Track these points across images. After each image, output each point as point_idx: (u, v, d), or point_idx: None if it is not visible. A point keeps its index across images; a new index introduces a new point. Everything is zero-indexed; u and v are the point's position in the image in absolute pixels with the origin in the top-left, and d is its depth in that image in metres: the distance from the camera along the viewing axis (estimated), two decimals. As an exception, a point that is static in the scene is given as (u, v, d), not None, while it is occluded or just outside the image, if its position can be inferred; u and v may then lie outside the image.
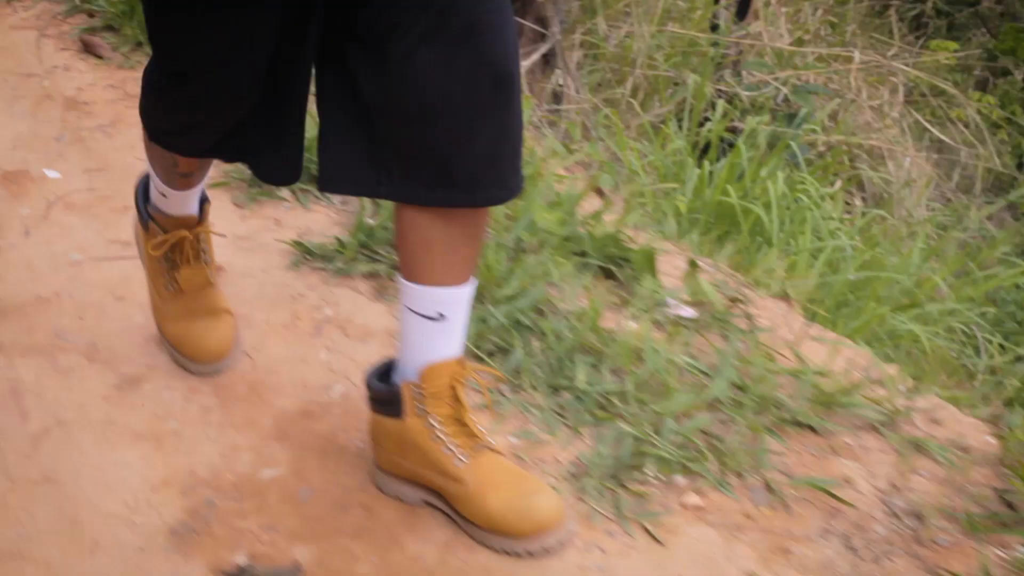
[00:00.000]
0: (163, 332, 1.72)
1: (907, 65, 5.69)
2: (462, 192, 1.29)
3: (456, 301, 1.39)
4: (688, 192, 3.54)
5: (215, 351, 1.67)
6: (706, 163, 3.71)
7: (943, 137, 5.78)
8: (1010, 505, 1.56)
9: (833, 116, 5.64)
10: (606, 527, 1.44)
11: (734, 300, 1.94)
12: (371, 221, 1.93)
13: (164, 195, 1.63)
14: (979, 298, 3.74)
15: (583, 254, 1.94)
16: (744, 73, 5.15)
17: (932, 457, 1.64)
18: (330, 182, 1.33)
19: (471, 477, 1.41)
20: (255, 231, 1.98)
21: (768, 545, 1.43)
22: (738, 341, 1.80)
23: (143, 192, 1.69)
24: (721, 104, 4.38)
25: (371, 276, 1.86)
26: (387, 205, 1.95)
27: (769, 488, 1.51)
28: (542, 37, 3.18)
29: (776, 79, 5.05)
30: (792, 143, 3.87)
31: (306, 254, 1.90)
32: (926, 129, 6.05)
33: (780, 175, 3.72)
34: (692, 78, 4.20)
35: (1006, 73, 9.15)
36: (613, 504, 1.46)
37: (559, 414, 1.60)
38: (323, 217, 2.02)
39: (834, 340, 1.90)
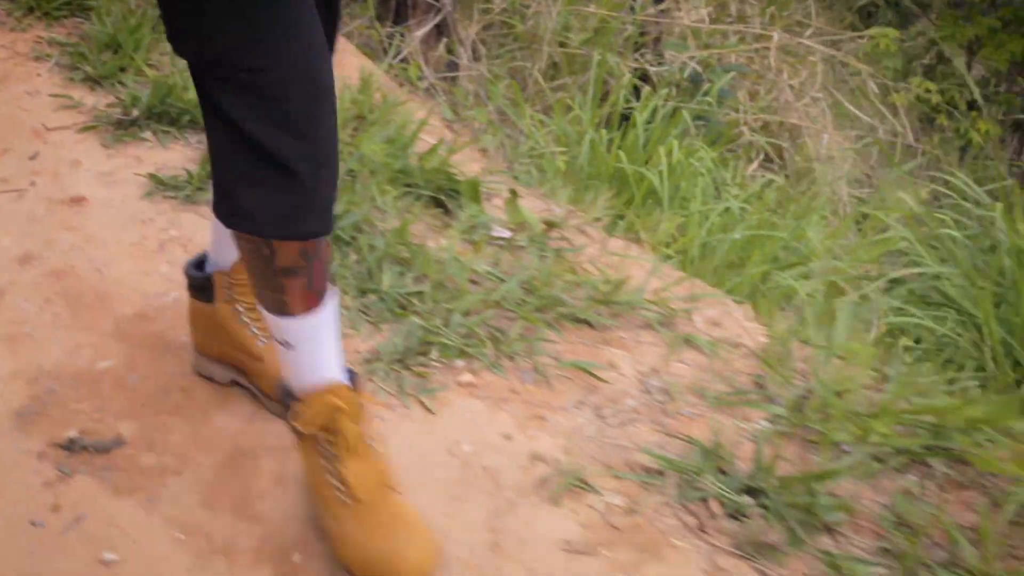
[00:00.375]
0: (348, 565, 1.38)
1: (826, 46, 5.94)
2: None
3: None
4: (584, 156, 3.76)
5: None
6: (603, 132, 3.94)
7: (861, 115, 6.04)
8: (761, 387, 1.79)
9: (754, 95, 5.88)
10: (388, 401, 1.67)
11: (551, 225, 2.17)
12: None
13: (287, 343, 1.37)
14: (872, 259, 3.97)
15: (415, 185, 2.17)
16: (668, 53, 5.39)
17: (701, 351, 1.87)
18: None
19: (270, 356, 1.63)
20: (118, 167, 2.20)
21: (527, 414, 1.66)
22: (542, 256, 2.03)
23: (287, 393, 1.44)
24: (627, 79, 4.61)
25: (216, 203, 2.09)
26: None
27: (537, 369, 1.74)
28: (435, 9, 3.41)
29: (692, 58, 5.29)
30: (686, 114, 4.11)
31: (159, 185, 2.12)
32: (848, 109, 6.29)
33: (676, 143, 3.95)
34: (596, 53, 4.43)
35: (948, 60, 9.39)
36: (397, 383, 1.69)
37: (364, 313, 1.83)
38: (179, 155, 2.24)
39: (635, 255, 2.12)
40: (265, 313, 1.38)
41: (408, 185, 2.16)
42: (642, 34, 5.43)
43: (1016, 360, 2.92)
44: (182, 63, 2.50)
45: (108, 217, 2.07)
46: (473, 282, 1.90)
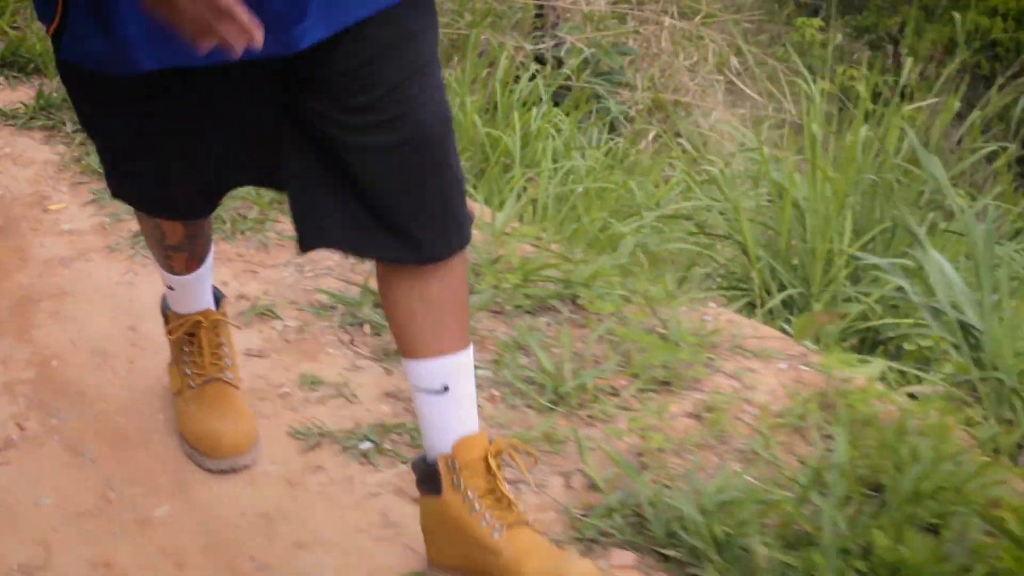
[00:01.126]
0: (185, 435, 1.84)
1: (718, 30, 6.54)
2: (415, 248, 1.42)
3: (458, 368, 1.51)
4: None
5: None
6: (469, 100, 4.53)
7: (753, 95, 6.61)
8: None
9: (649, 75, 6.47)
10: (143, 262, 2.28)
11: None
12: (55, 94, 2.79)
13: (171, 287, 1.80)
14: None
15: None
16: (568, 37, 5.98)
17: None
18: (312, 239, 1.46)
19: (507, 548, 1.46)
20: (-30, 107, 2.84)
21: (244, 269, 2.26)
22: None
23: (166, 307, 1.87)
24: (505, 58, 5.21)
25: (45, 129, 2.71)
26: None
27: (261, 241, 2.34)
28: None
29: (586, 40, 5.89)
30: (540, 84, 4.70)
31: (1, 115, 2.74)
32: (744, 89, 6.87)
33: (535, 111, 4.54)
34: (472, 34, 5.02)
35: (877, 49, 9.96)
36: (152, 249, 2.29)
37: (140, 203, 2.44)
38: (23, 94, 2.87)
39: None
40: (156, 264, 1.78)
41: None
42: (538, 15, 6.02)
43: (781, 282, 3.48)
44: (39, 23, 3.12)
45: (-45, 144, 2.69)
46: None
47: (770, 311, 3.36)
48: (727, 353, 2.21)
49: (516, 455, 1.55)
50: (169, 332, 1.86)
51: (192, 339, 1.84)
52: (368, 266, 2.31)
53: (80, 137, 2.60)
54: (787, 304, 3.40)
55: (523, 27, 6.10)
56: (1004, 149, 3.67)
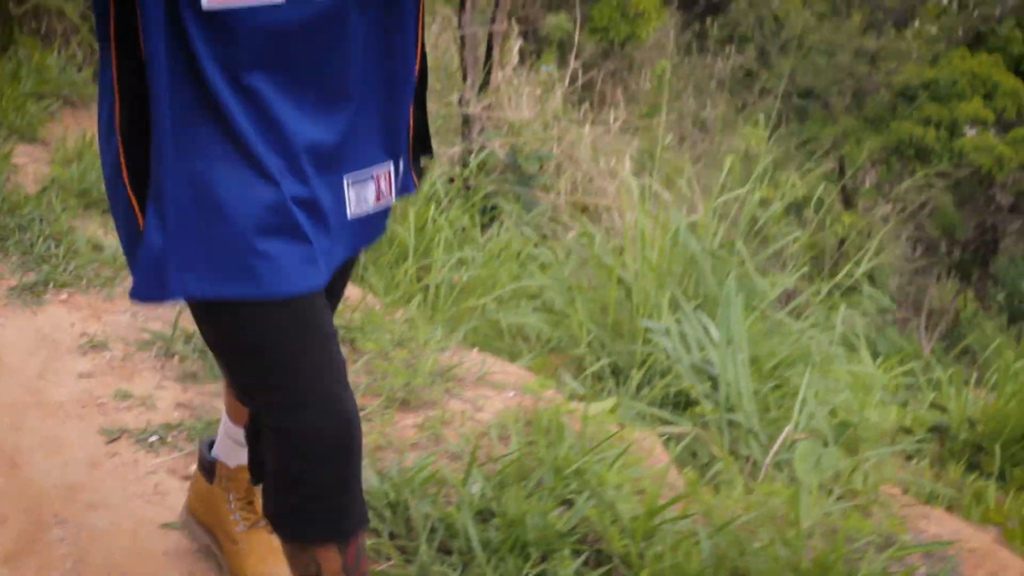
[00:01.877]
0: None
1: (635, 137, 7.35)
2: None
3: None
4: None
5: None
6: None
7: (667, 196, 7.36)
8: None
9: (571, 177, 7.28)
10: (14, 308, 3.02)
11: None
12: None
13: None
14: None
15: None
16: (498, 143, 6.81)
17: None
18: None
19: (245, 543, 1.99)
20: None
21: (91, 315, 2.99)
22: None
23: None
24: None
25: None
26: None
27: (108, 294, 3.08)
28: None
29: (504, 145, 6.72)
30: (439, 183, 5.48)
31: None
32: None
33: (432, 207, 5.30)
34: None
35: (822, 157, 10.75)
36: (23, 300, 3.04)
37: (23, 265, 3.19)
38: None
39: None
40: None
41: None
42: (465, 122, 6.86)
43: (609, 350, 4.16)
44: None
45: None
46: (96, 248, 3.27)
47: (598, 376, 4.04)
48: (471, 384, 2.91)
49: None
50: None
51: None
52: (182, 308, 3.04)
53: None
54: (613, 370, 4.07)
55: (453, 133, 6.93)
56: (797, 238, 4.39)
